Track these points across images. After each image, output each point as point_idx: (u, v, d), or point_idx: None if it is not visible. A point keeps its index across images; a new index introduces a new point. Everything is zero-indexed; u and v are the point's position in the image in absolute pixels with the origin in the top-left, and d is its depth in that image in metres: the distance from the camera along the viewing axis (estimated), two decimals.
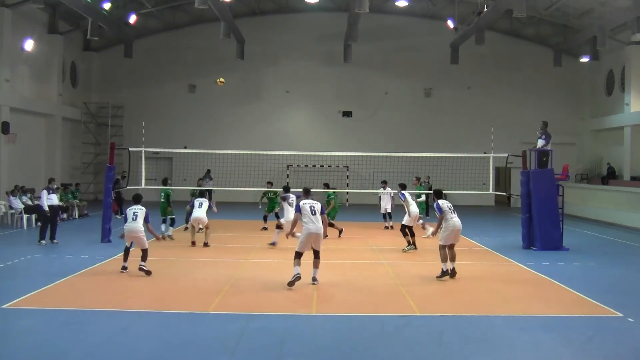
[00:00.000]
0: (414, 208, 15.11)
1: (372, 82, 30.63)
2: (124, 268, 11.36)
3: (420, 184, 23.70)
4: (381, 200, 19.68)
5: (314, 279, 10.41)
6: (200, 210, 14.86)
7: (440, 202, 11.50)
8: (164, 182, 16.81)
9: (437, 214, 11.50)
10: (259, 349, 7.14)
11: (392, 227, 19.14)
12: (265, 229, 18.15)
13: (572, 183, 27.08)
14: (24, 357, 6.90)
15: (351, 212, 24.32)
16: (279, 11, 30.84)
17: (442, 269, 11.22)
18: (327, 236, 13.87)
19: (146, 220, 11.67)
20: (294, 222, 10.80)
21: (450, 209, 11.39)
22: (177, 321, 8.17)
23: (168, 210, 16.13)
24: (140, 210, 11.64)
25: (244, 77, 30.56)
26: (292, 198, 14.71)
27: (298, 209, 10.49)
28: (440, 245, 11.39)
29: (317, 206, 10.45)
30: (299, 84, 30.66)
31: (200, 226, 15.31)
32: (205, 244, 14.81)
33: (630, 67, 26.40)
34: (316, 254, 10.39)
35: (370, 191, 24.77)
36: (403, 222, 15.03)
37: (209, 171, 24.64)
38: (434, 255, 14.21)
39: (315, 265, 10.42)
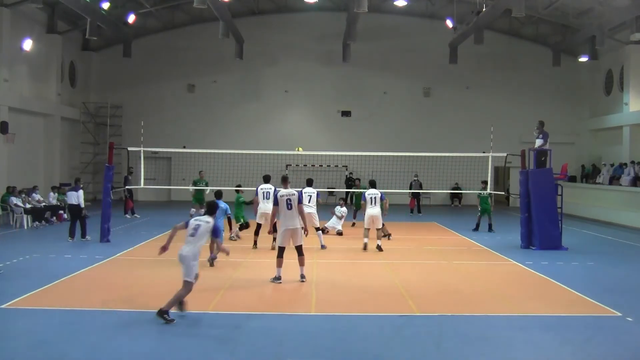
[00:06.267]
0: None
1: (371, 81, 30.61)
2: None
3: (411, 185, 23.75)
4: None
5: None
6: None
7: (367, 192, 14.36)
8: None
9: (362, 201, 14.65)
10: (259, 349, 7.14)
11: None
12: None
13: (571, 182, 27.09)
14: (23, 357, 6.90)
15: (350, 212, 24.28)
16: (278, 11, 30.81)
17: (364, 242, 14.35)
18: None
19: (215, 235, 8.81)
20: None
21: (372, 199, 14.28)
22: (177, 321, 8.17)
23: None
24: (204, 224, 8.53)
25: (243, 76, 30.55)
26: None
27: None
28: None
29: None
30: (298, 84, 30.64)
31: None
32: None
33: (629, 66, 26.41)
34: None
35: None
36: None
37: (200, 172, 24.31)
38: (434, 255, 14.26)
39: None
